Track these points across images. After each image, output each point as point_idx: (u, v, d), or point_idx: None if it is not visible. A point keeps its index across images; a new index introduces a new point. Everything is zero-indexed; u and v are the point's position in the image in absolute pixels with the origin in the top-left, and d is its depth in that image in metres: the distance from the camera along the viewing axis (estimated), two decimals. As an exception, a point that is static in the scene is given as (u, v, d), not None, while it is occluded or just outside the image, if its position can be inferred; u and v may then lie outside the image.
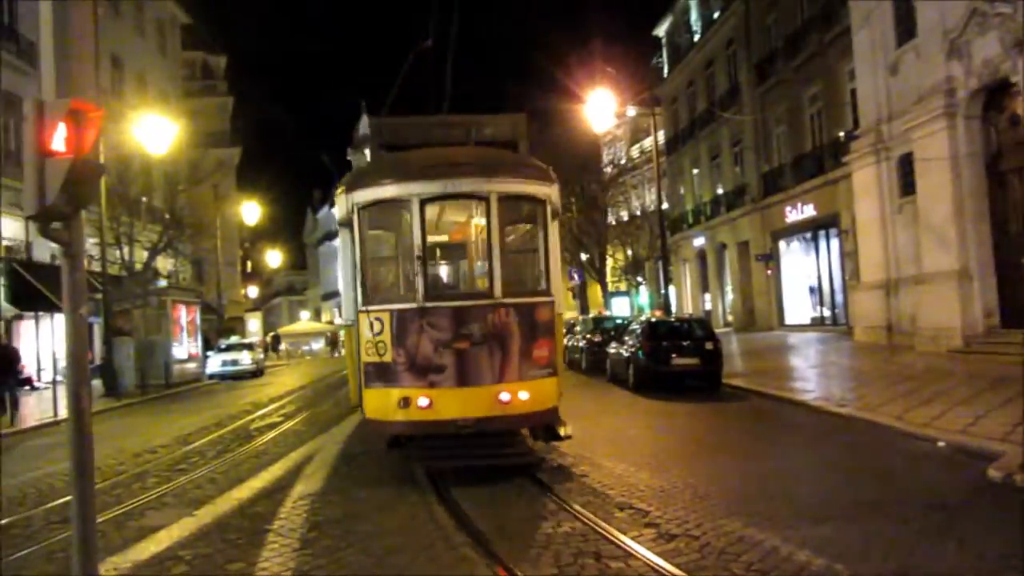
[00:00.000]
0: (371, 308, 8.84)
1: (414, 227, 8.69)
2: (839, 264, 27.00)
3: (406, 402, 8.49)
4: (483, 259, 9.45)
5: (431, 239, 9.68)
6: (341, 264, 11.02)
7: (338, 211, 9.78)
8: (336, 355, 57.57)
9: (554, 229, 9.83)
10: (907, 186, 20.20)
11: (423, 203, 8.73)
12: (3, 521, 8.18)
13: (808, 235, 29.61)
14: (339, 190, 9.77)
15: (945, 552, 5.79)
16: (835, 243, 27.24)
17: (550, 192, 9.60)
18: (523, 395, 8.65)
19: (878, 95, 21.30)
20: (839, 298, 27.45)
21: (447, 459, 8.79)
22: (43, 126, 4.21)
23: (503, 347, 8.62)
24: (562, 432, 9.27)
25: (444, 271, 11.91)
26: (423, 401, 8.46)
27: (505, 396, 8.54)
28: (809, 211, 28.25)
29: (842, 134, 24.99)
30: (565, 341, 20.57)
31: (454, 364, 8.47)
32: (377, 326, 8.71)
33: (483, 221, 9.14)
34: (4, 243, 28.90)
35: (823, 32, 25.80)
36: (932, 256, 18.34)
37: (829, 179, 26.08)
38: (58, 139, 4.23)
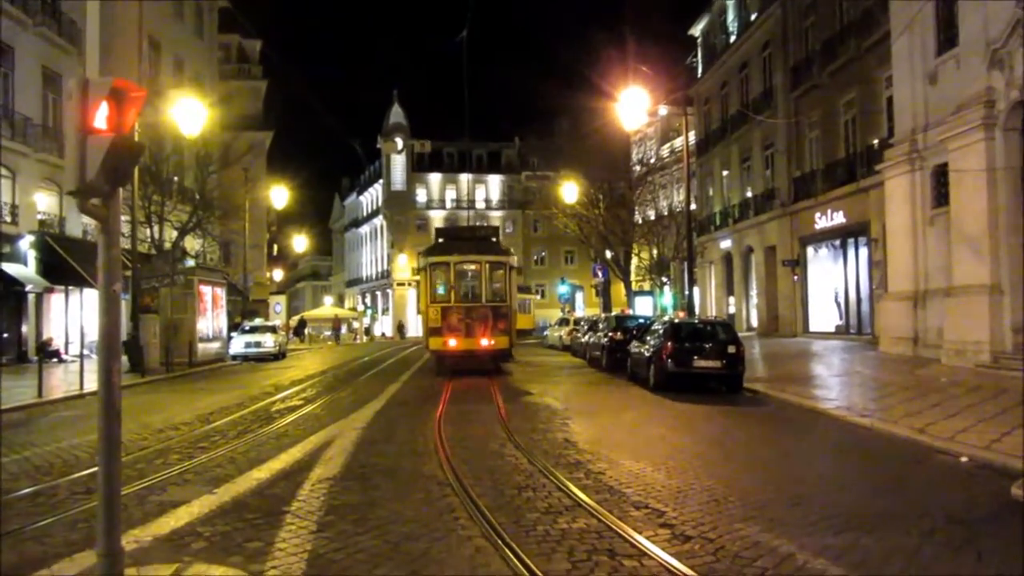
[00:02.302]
0: (432, 304, 22.07)
1: (450, 273, 22.10)
2: (867, 273, 26.73)
3: (444, 343, 21.67)
4: (478, 286, 22.33)
5: (458, 277, 22.36)
6: (419, 287, 25.79)
7: (418, 264, 25.14)
8: (359, 340, 57.93)
9: (513, 274, 22.85)
10: (940, 197, 19.94)
11: (455, 263, 22.16)
12: (28, 489, 8.35)
13: (837, 242, 29.34)
14: (421, 257, 23.95)
15: (964, 567, 5.74)
16: (864, 251, 26.97)
17: (510, 259, 22.88)
18: (490, 342, 21.70)
19: (915, 104, 21.02)
20: (865, 307, 27.19)
21: (458, 367, 21.82)
22: (86, 104, 4.28)
23: (484, 323, 21.66)
24: (512, 360, 24.77)
25: (462, 290, 22.60)
26: (452, 342, 21.66)
27: (484, 342, 21.65)
28: (839, 218, 27.98)
29: (876, 142, 24.72)
30: (586, 338, 28.18)
31: (464, 328, 21.61)
32: (434, 312, 21.92)
33: (478, 271, 22.31)
34: (38, 217, 29.37)
35: (861, 38, 25.50)
36: (963, 269, 18.09)
37: (861, 187, 25.81)
38: (100, 117, 4.29)
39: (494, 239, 25.16)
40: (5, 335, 27.85)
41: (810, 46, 30.22)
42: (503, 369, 23.64)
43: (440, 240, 25.42)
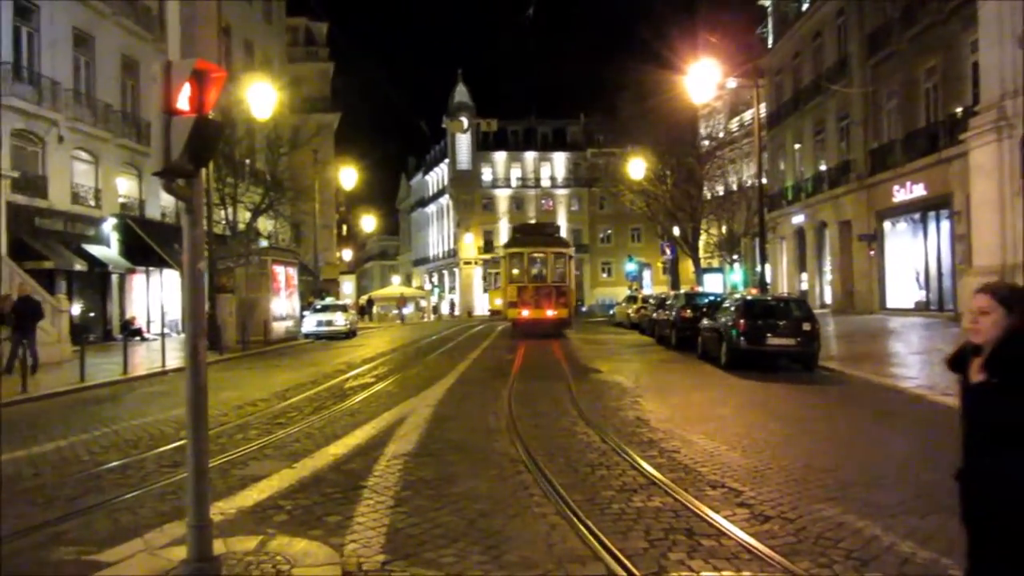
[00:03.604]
0: (510, 284, 29.86)
1: (524, 261, 29.93)
2: (949, 247, 25.73)
3: (519, 313, 29.25)
4: (544, 270, 29.51)
5: (529, 263, 29.74)
6: (501, 272, 33.01)
7: (500, 253, 36.52)
8: (426, 319, 58.57)
9: (571, 262, 31.78)
10: (1030, 167, 19.01)
11: (527, 253, 29.98)
12: (118, 462, 8.69)
13: (916, 216, 28.30)
14: (502, 248, 35.26)
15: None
16: (945, 225, 25.95)
17: (569, 250, 31.66)
18: (554, 313, 29.01)
19: (1003, 69, 20.01)
20: (947, 283, 26.19)
21: (529, 331, 28.82)
22: (169, 85, 4.36)
23: (549, 298, 29.02)
24: (570, 327, 31.78)
25: (532, 273, 29.24)
26: (525, 312, 29.12)
27: (549, 312, 28.95)
28: (919, 190, 26.96)
29: (960, 110, 23.67)
30: (654, 316, 28.90)
31: (534, 302, 29.02)
32: (512, 290, 29.50)
33: (545, 258, 29.78)
34: (120, 200, 30.42)
35: (945, 1, 24.38)
36: (1054, 242, 17.25)
37: (942, 157, 24.77)
38: (183, 98, 4.37)
39: (557, 234, 34.28)
40: (91, 314, 29.02)
41: (888, 11, 29.03)
42: (571, 346, 24.21)
43: (516, 235, 33.77)
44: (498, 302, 50.68)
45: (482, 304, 66.16)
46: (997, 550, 3.10)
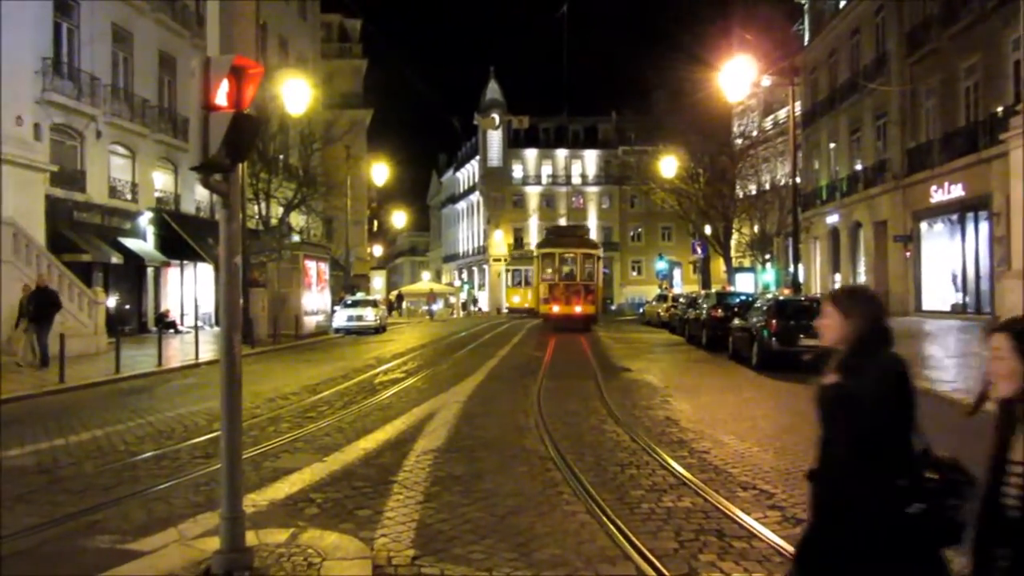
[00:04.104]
0: (542, 282, 33.64)
1: (555, 261, 33.69)
2: (987, 249, 25.23)
3: (550, 308, 32.68)
4: (574, 270, 32.99)
5: (560, 263, 33.54)
6: (534, 272, 37.06)
7: (533, 253, 39.09)
8: (455, 315, 58.68)
9: (599, 262, 35.56)
10: (1073, 167, 18.59)
11: (559, 254, 33.85)
12: (152, 453, 8.82)
13: (954, 216, 27.78)
14: (536, 248, 38.77)
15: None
16: (984, 226, 25.44)
17: (597, 252, 35.64)
18: (582, 309, 32.29)
19: (1046, 67, 19.60)
20: (985, 285, 25.70)
21: (559, 326, 31.22)
22: (208, 81, 4.40)
23: (577, 295, 32.33)
24: (599, 328, 33.07)
25: (563, 272, 32.36)
26: (555, 308, 32.50)
27: (578, 308, 32.18)
28: (957, 191, 26.46)
29: (1000, 109, 23.19)
30: (685, 315, 28.21)
31: (564, 298, 32.37)
32: (543, 287, 33.38)
33: (574, 259, 33.41)
34: (156, 194, 30.85)
35: (987, -2, 23.91)
36: (1098, 245, 16.85)
37: (982, 157, 24.28)
38: (221, 94, 4.41)
39: (586, 236, 38.57)
40: (127, 307, 29.47)
41: (928, 9, 28.53)
42: (600, 344, 24.32)
43: (548, 237, 38.27)
44: (516, 299, 50.77)
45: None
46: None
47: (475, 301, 72.16)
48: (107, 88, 27.29)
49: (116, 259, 26.71)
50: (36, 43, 23.30)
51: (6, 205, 20.43)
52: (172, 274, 32.00)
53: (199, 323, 28.55)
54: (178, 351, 21.87)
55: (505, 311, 57.55)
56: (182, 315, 31.82)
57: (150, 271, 30.47)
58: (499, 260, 75.75)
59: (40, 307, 17.04)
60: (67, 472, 7.96)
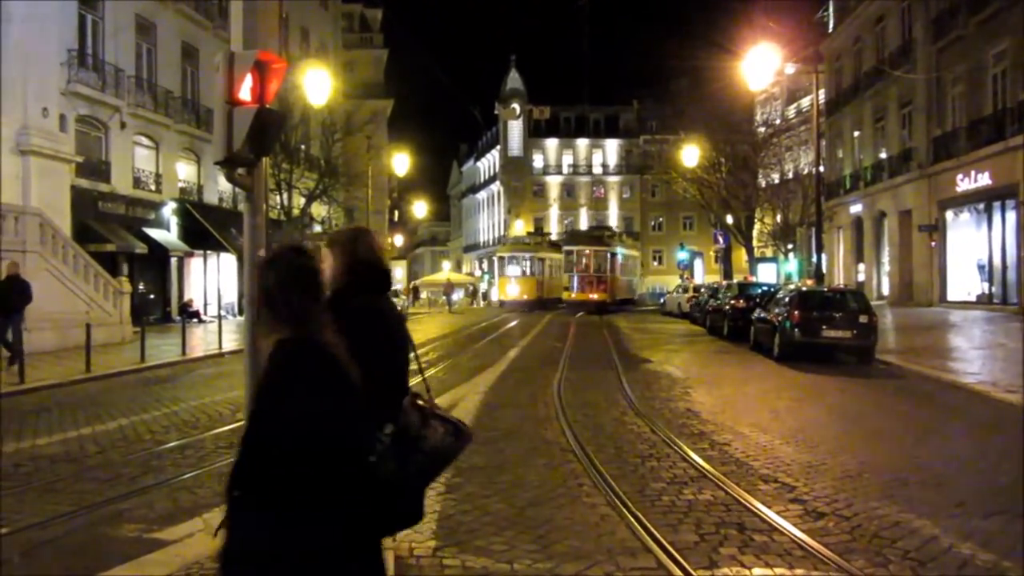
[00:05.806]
0: (568, 274, 44.21)
1: (577, 255, 44.21)
2: (1014, 239, 24.88)
3: (571, 294, 43.47)
4: (591, 263, 43.27)
5: (580, 258, 43.90)
6: (563, 266, 45.84)
7: (564, 250, 46.79)
8: (475, 305, 58.70)
9: (614, 258, 44.46)
10: (1104, 156, 18.27)
11: (578, 251, 44.48)
12: (177, 442, 8.93)
13: (980, 206, 27.41)
14: (563, 245, 48.30)
15: None
16: (1012, 216, 25.09)
17: (612, 248, 44.79)
18: (597, 296, 42.22)
19: (1077, 54, 19.26)
20: (1012, 276, 25.36)
21: (578, 309, 40.64)
22: (232, 76, 4.43)
23: (592, 284, 42.75)
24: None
25: (582, 265, 42.94)
26: (574, 294, 43.20)
27: (593, 296, 42.32)
28: (984, 180, 26.10)
29: (1029, 97, 22.83)
30: (706, 306, 27.84)
31: (582, 286, 42.96)
32: (567, 277, 44.38)
33: (592, 254, 43.54)
34: (179, 185, 31.10)
35: (1015, -16, 23.49)
36: None
37: (1009, 145, 23.93)
38: (245, 89, 4.44)
39: (604, 236, 47.15)
40: (151, 296, 29.78)
41: (955, -6, 28.10)
42: (620, 335, 24.42)
43: (570, 238, 49.10)
44: (513, 290, 48.17)
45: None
46: None
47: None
48: (131, 79, 27.51)
49: (140, 249, 26.98)
50: (61, 35, 23.52)
51: (32, 196, 20.69)
52: (195, 264, 32.29)
53: (222, 312, 28.80)
54: (202, 340, 22.07)
55: (497, 303, 52.31)
56: (205, 304, 32.10)
57: (174, 261, 30.76)
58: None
59: (8, 298, 14.65)
60: (94, 461, 8.08)
